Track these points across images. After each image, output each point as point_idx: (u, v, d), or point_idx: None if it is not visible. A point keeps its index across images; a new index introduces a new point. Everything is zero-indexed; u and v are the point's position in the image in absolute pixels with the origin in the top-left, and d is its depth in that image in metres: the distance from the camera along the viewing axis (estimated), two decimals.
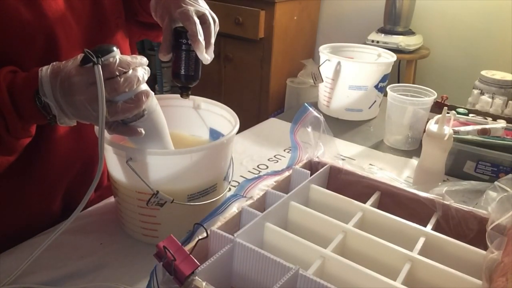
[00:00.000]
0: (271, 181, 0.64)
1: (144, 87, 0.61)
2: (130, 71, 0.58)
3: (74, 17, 0.71)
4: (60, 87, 0.57)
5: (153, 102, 0.63)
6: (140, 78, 0.58)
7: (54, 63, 0.59)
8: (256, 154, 1.04)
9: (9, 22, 0.62)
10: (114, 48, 0.58)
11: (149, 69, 0.61)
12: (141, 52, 3.06)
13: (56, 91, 0.57)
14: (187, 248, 0.48)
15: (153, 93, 0.62)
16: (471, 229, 0.59)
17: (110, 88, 0.56)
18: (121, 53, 0.60)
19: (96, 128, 0.68)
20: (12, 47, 0.64)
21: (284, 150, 1.07)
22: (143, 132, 0.62)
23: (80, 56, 0.57)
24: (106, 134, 0.65)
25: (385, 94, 1.11)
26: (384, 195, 0.66)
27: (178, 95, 0.72)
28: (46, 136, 0.71)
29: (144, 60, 0.61)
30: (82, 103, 0.57)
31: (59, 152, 0.74)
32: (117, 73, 0.56)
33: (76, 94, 0.56)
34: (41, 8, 0.65)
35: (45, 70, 0.58)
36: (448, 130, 0.79)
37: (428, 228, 0.58)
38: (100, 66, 0.55)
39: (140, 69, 0.59)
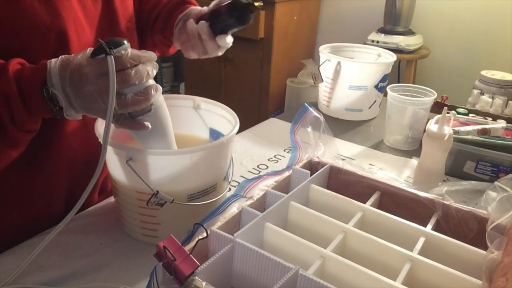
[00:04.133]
0: (271, 181, 0.64)
1: (152, 81, 0.62)
2: (140, 65, 0.58)
3: (86, 18, 0.71)
4: (70, 78, 0.57)
5: (160, 97, 0.64)
6: (150, 72, 0.59)
7: (63, 56, 0.60)
8: (256, 154, 1.04)
9: (24, 18, 0.63)
10: (125, 42, 0.59)
11: (157, 64, 0.62)
12: None
13: (65, 82, 0.57)
14: (187, 248, 0.48)
15: (161, 88, 0.62)
16: (471, 229, 0.59)
17: (121, 79, 0.56)
18: None
19: (96, 127, 0.68)
20: (24, 43, 0.64)
21: (284, 150, 1.07)
22: (150, 126, 0.63)
23: (89, 50, 0.58)
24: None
25: (385, 94, 1.11)
26: (384, 195, 0.66)
27: (178, 95, 0.72)
28: (52, 135, 0.71)
29: (153, 56, 0.61)
30: (91, 94, 0.57)
31: (64, 152, 0.74)
32: (128, 65, 0.57)
33: (86, 85, 0.57)
34: (55, 7, 0.65)
35: (54, 62, 0.59)
36: (448, 130, 0.79)
37: (428, 228, 0.58)
38: (112, 57, 0.56)
39: (150, 63, 0.60)
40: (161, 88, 0.62)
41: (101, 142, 0.66)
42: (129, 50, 0.58)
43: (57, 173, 0.75)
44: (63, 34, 0.66)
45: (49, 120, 0.65)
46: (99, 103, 0.57)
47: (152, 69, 0.60)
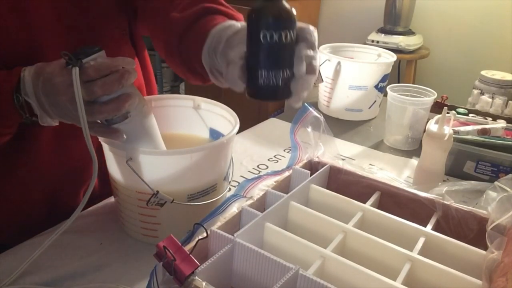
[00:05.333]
0: (271, 181, 0.64)
1: (130, 89, 0.59)
2: (112, 74, 0.56)
3: (64, 27, 0.70)
4: (43, 86, 0.57)
5: (140, 104, 0.62)
6: (123, 81, 0.57)
7: (38, 63, 0.59)
8: (256, 154, 1.04)
9: None
10: (98, 50, 0.57)
11: (135, 72, 0.59)
12: None
13: (38, 90, 0.57)
14: (187, 248, 0.48)
15: (139, 96, 0.60)
16: (471, 229, 0.59)
17: (88, 91, 0.56)
18: None
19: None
20: None
21: (284, 150, 1.07)
22: (125, 136, 0.61)
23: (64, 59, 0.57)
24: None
25: (385, 94, 1.11)
26: (384, 195, 0.66)
27: (178, 95, 0.71)
28: (26, 144, 0.71)
29: (130, 62, 0.59)
30: (64, 103, 0.57)
31: (39, 162, 0.74)
32: (97, 77, 0.56)
33: (58, 94, 0.57)
34: (27, 18, 0.65)
35: (28, 70, 0.58)
36: (448, 130, 0.79)
37: (428, 228, 0.58)
38: (77, 69, 0.54)
39: (124, 71, 0.57)
40: (137, 96, 0.60)
41: (101, 143, 0.67)
42: (99, 59, 0.57)
43: (32, 182, 0.75)
44: (34, 45, 0.66)
45: (22, 129, 0.65)
46: (72, 111, 0.57)
47: (127, 78, 0.57)
